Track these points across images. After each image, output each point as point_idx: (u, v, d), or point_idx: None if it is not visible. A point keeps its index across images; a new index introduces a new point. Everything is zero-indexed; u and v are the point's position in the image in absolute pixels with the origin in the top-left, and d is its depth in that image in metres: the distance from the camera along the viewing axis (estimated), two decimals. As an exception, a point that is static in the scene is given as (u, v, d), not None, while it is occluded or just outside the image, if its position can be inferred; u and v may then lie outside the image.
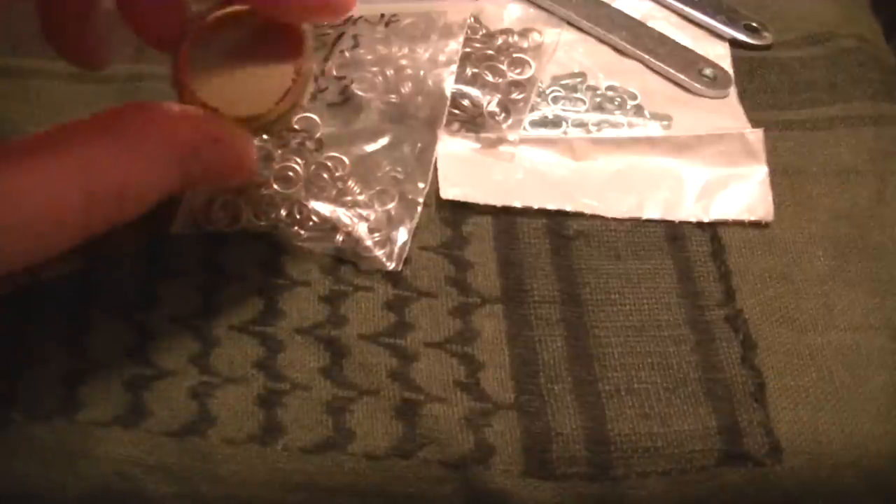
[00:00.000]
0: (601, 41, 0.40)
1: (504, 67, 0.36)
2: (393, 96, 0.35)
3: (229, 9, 0.27)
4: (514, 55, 0.37)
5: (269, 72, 0.27)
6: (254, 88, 0.27)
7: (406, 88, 0.35)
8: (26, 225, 0.22)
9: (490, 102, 0.35)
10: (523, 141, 0.35)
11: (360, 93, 0.35)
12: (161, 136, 0.24)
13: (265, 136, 0.32)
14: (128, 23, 0.28)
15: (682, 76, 0.38)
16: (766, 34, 0.40)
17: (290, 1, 0.26)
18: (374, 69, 0.35)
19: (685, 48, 0.39)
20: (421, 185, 0.33)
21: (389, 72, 0.35)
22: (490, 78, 0.36)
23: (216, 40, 0.27)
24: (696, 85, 0.38)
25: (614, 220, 0.34)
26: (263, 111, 0.26)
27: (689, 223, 0.34)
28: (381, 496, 0.28)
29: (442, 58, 0.36)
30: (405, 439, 0.28)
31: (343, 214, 0.32)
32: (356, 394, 0.29)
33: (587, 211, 0.34)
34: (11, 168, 0.21)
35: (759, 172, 0.35)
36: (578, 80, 0.38)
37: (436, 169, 0.34)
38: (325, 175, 0.33)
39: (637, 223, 0.34)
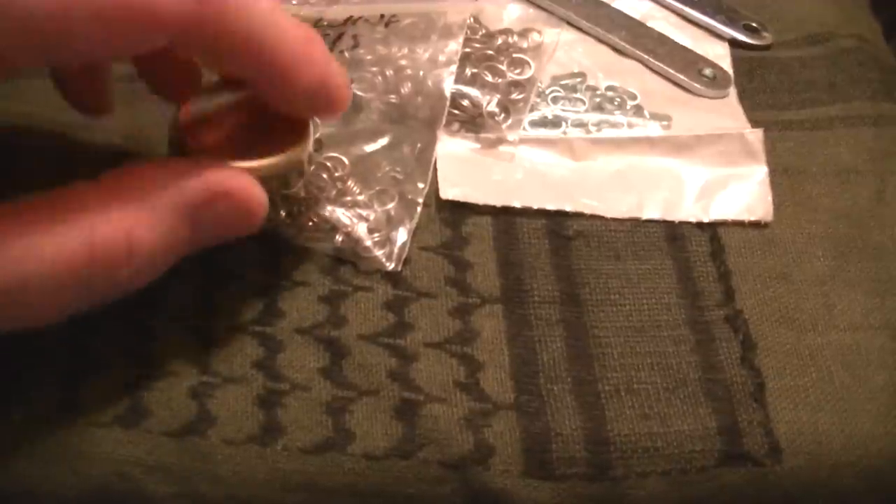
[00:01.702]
0: (601, 41, 0.40)
1: (504, 67, 0.36)
2: (393, 96, 0.35)
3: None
4: (514, 55, 0.37)
5: (271, 124, 0.27)
6: (257, 139, 0.27)
7: (406, 89, 0.35)
8: (32, 283, 0.22)
9: (490, 102, 0.35)
10: (523, 141, 0.35)
11: (359, 93, 0.35)
12: (167, 191, 0.24)
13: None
14: (148, 85, 0.30)
15: (681, 76, 0.38)
16: (765, 34, 0.40)
17: (289, 99, 0.26)
18: (374, 69, 0.35)
19: (685, 48, 0.39)
20: (420, 185, 0.33)
21: (389, 72, 0.35)
22: (490, 78, 0.36)
23: (216, 97, 0.28)
24: (695, 85, 0.38)
25: (614, 220, 0.33)
26: (269, 161, 0.27)
27: (689, 223, 0.34)
28: (381, 496, 0.28)
29: (442, 58, 0.36)
30: (405, 440, 0.28)
31: (343, 214, 0.32)
32: (356, 394, 0.29)
33: (587, 211, 0.34)
34: (17, 227, 0.22)
35: (758, 172, 0.35)
36: (578, 80, 0.38)
37: (435, 169, 0.34)
38: (325, 175, 0.33)
39: (637, 223, 0.34)
